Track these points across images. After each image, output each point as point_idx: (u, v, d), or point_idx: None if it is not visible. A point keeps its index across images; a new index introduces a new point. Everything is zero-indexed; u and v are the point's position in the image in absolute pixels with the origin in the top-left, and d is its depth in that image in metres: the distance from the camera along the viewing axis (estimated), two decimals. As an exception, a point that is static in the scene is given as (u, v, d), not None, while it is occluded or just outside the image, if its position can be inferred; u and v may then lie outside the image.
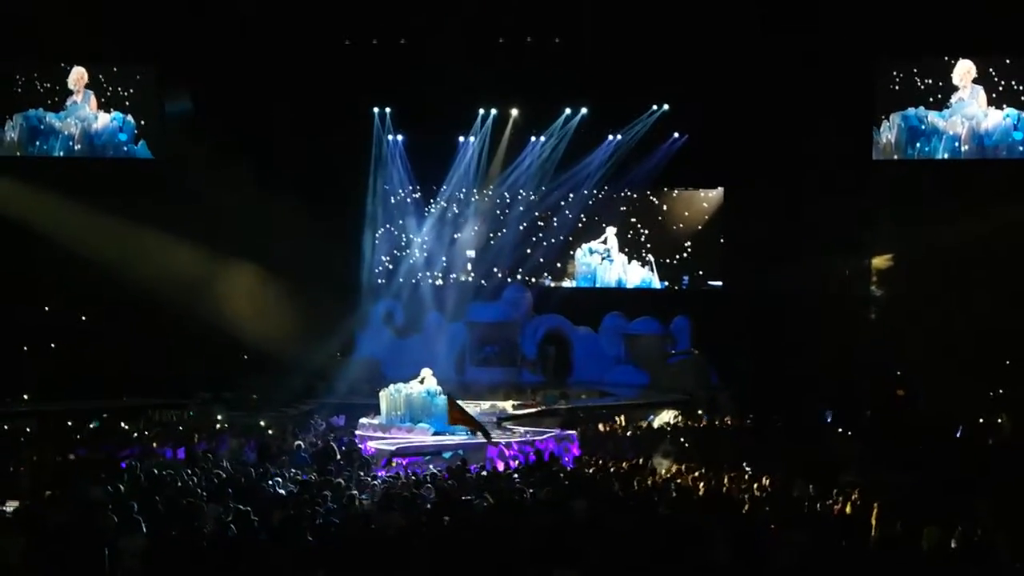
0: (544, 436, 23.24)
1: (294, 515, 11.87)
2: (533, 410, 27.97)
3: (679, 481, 16.10)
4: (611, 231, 35.29)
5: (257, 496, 13.62)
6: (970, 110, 29.28)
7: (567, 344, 34.60)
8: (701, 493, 14.89)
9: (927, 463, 17.55)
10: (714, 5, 28.69)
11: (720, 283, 34.72)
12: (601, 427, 25.08)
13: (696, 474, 16.85)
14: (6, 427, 23.36)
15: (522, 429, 24.70)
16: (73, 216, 28.96)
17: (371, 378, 29.62)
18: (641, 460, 18.81)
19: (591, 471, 17.48)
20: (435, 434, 23.10)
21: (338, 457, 18.97)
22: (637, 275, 35.20)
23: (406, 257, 35.48)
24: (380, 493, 14.42)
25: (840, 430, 23.65)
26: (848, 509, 13.27)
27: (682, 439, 22.07)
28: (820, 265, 30.72)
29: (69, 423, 23.70)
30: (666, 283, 35.06)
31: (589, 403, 29.52)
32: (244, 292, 29.70)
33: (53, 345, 31.15)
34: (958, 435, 22.50)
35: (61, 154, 31.22)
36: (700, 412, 27.54)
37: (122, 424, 24.04)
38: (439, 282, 35.37)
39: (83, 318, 31.33)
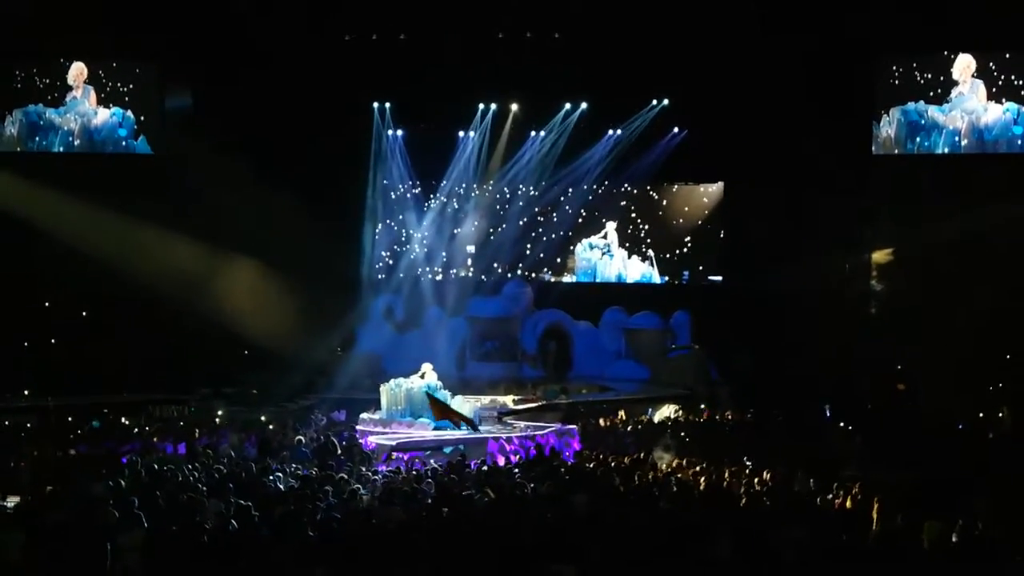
0: (545, 431, 23.25)
1: (295, 510, 11.88)
2: (534, 405, 27.95)
3: (680, 476, 16.13)
4: (611, 226, 35.29)
5: (258, 491, 13.62)
6: (970, 104, 29.26)
7: (567, 339, 34.60)
8: (702, 488, 14.90)
9: (927, 458, 17.57)
10: (713, 0, 28.70)
11: (720, 278, 34.72)
12: (602, 422, 25.09)
13: (697, 469, 16.88)
14: (7, 423, 23.40)
15: (523, 424, 24.72)
16: (73, 212, 28.94)
17: (371, 373, 29.63)
18: (642, 455, 18.83)
19: (592, 466, 17.48)
20: (435, 429, 23.13)
21: (339, 452, 18.97)
22: (637, 270, 35.20)
23: (406, 252, 35.46)
24: (381, 488, 14.43)
25: (841, 425, 23.67)
26: (849, 504, 13.30)
27: (683, 434, 22.08)
28: (820, 260, 30.72)
29: (69, 419, 23.69)
30: (666, 278, 35.06)
31: (589, 398, 29.51)
32: (244, 288, 29.71)
33: (53, 341, 31.15)
34: (959, 429, 22.53)
35: (61, 150, 31.18)
36: (701, 407, 27.56)
37: (123, 420, 24.04)
38: (439, 277, 35.37)
39: (83, 314, 31.35)
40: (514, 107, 33.06)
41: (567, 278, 35.67)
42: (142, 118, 31.07)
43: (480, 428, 23.07)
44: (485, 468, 17.24)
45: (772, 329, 30.09)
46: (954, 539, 10.73)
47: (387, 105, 33.44)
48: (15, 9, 27.47)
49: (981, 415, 24.47)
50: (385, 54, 30.79)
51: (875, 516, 12.13)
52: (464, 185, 34.89)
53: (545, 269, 35.65)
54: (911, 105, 29.63)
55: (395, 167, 34.75)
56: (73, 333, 30.78)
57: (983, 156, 29.38)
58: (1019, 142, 29.09)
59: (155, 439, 20.98)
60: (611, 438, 22.75)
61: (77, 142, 31.21)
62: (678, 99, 32.21)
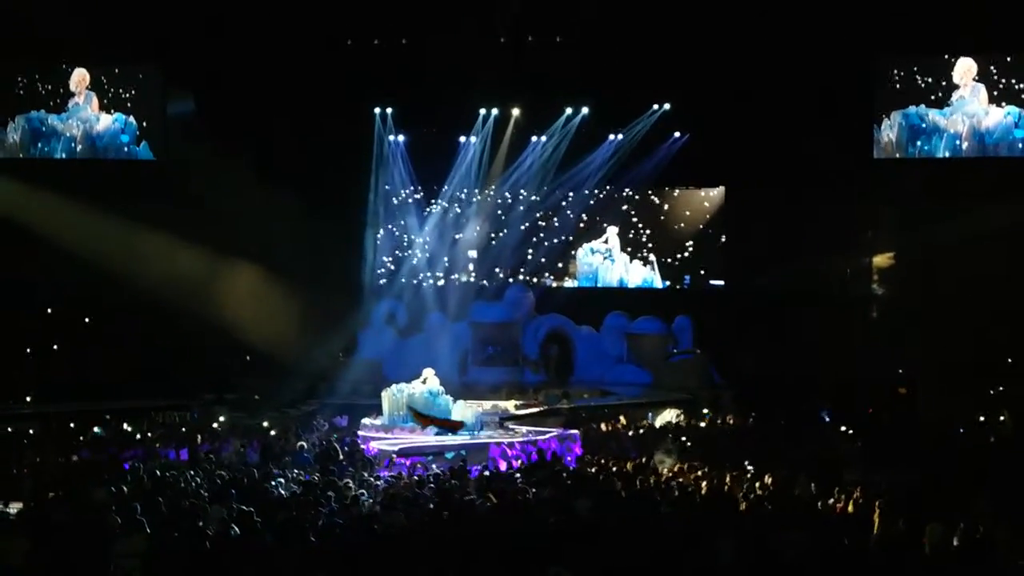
0: (547, 436, 23.29)
1: (297, 516, 11.90)
2: (535, 410, 28.00)
3: (681, 480, 16.13)
4: (612, 231, 35.28)
5: (260, 497, 13.64)
6: (971, 108, 29.26)
7: (569, 344, 34.57)
8: (703, 492, 14.90)
9: (928, 461, 17.57)
10: (714, 4, 28.71)
11: (722, 282, 34.68)
12: (603, 426, 25.11)
13: (698, 473, 16.88)
14: (9, 429, 23.43)
15: (524, 429, 24.77)
16: (75, 218, 29.00)
17: (373, 379, 29.65)
18: (643, 459, 18.84)
19: (594, 470, 17.52)
20: (437, 434, 23.18)
21: (341, 458, 19.01)
22: (639, 275, 35.20)
23: (408, 257, 35.46)
24: (383, 493, 14.45)
25: (842, 429, 23.66)
26: (850, 507, 13.29)
27: (684, 438, 22.08)
28: (821, 264, 30.76)
29: (72, 425, 23.72)
30: (668, 282, 35.05)
31: (591, 402, 29.50)
32: (246, 293, 29.75)
33: (55, 347, 31.18)
34: (960, 433, 22.53)
35: (63, 156, 31.22)
36: (703, 411, 27.55)
37: (125, 426, 24.07)
38: (441, 282, 35.37)
39: (85, 320, 31.39)
40: (515, 112, 33.07)
41: (569, 283, 35.66)
42: (144, 124, 31.11)
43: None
44: (487, 473, 17.29)
45: (773, 333, 30.10)
46: (956, 543, 10.73)
47: (388, 110, 33.45)
48: (17, 14, 27.53)
49: (982, 418, 24.45)
50: (386, 59, 30.84)
51: (876, 520, 12.11)
52: (466, 190, 34.89)
53: (547, 274, 35.65)
54: (912, 109, 29.62)
55: (396, 172, 34.76)
56: (75, 339, 30.81)
57: (984, 159, 29.35)
58: (1020, 145, 29.06)
59: (157, 445, 21.03)
60: (613, 443, 22.76)
61: (79, 148, 31.25)
62: (679, 104, 32.19)
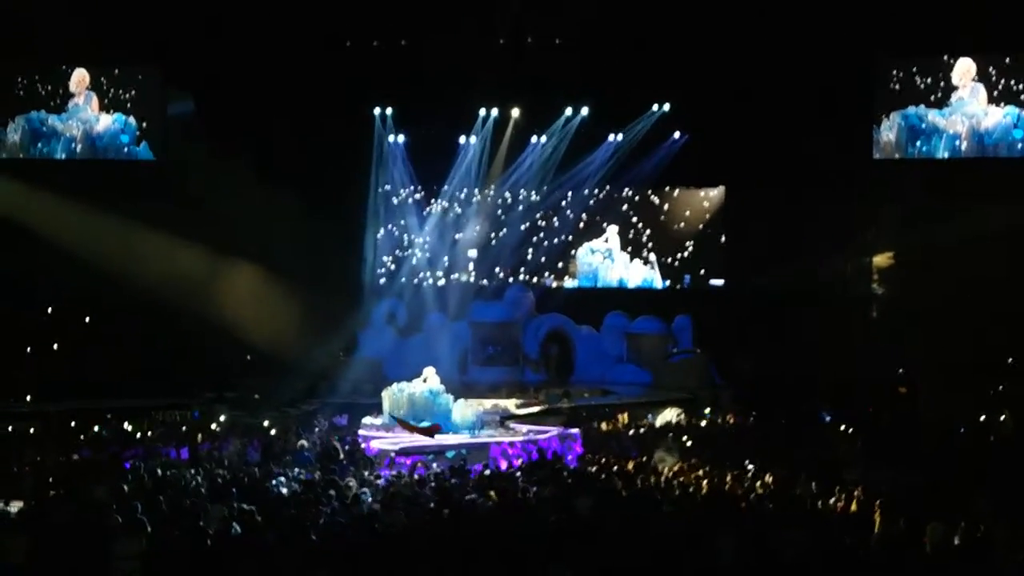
0: (547, 435, 23.29)
1: (298, 515, 11.91)
2: (536, 409, 27.98)
3: (682, 479, 16.14)
4: (612, 230, 35.27)
5: (261, 496, 13.65)
6: (970, 108, 29.28)
7: (569, 343, 34.55)
8: (704, 491, 14.91)
9: (929, 460, 17.57)
10: (714, 5, 28.73)
11: (722, 282, 34.68)
12: (604, 426, 25.13)
13: (699, 472, 16.88)
14: (9, 428, 23.43)
15: (525, 428, 24.78)
16: (75, 218, 29.00)
17: (373, 378, 29.66)
18: (644, 458, 18.85)
19: (594, 470, 17.51)
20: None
21: (341, 457, 19.02)
22: (639, 274, 35.19)
23: (408, 257, 35.45)
24: (383, 492, 14.46)
25: (842, 428, 23.66)
26: (851, 507, 13.29)
27: (685, 437, 22.08)
28: (821, 264, 30.75)
29: (72, 424, 23.72)
30: (668, 282, 35.04)
31: (592, 402, 29.48)
32: (246, 293, 29.75)
33: (56, 346, 31.18)
34: (960, 432, 22.52)
35: (63, 156, 31.24)
36: (703, 410, 27.55)
37: (126, 425, 24.07)
38: (441, 282, 35.37)
39: (86, 319, 31.39)
40: (515, 112, 33.07)
41: (569, 283, 35.65)
42: (144, 124, 31.14)
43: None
44: (487, 472, 17.28)
45: (773, 333, 30.11)
46: (956, 542, 10.73)
47: (388, 110, 33.47)
48: (17, 14, 27.54)
49: (983, 418, 24.44)
50: (386, 59, 30.85)
51: (877, 519, 12.12)
52: (465, 190, 34.89)
53: (547, 274, 35.63)
54: (911, 109, 29.66)
55: (396, 172, 34.76)
56: (75, 339, 30.80)
57: (983, 160, 29.39)
58: (1019, 146, 29.11)
59: (158, 444, 21.03)
60: (613, 442, 22.75)
61: (79, 148, 31.27)
62: (679, 104, 32.20)
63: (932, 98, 29.51)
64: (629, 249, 35.21)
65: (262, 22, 28.75)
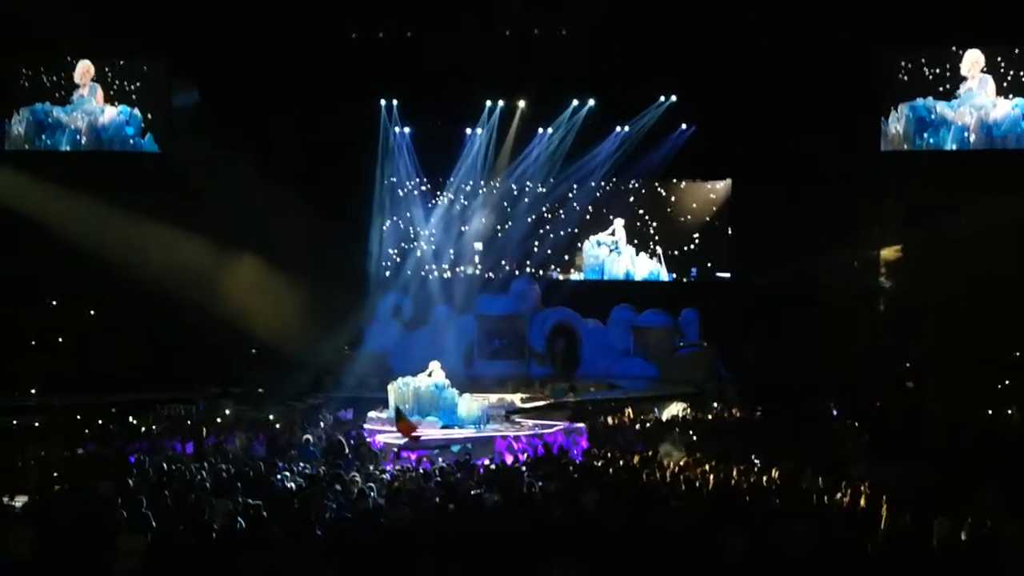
0: (552, 429, 23.25)
1: (303, 509, 11.87)
2: (541, 403, 27.98)
3: (688, 474, 16.08)
4: (619, 223, 35.21)
5: (266, 490, 13.61)
6: (979, 100, 29.15)
7: (575, 337, 34.56)
8: (710, 486, 14.85)
9: (936, 456, 17.50)
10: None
11: (728, 275, 34.61)
12: (610, 420, 25.04)
13: (705, 467, 16.82)
14: (14, 422, 23.43)
15: (531, 422, 24.74)
16: (80, 210, 28.99)
17: (379, 372, 29.64)
18: (650, 453, 18.79)
19: (600, 464, 17.45)
20: (443, 427, 23.16)
21: (346, 451, 18.96)
22: (645, 267, 35.13)
23: (413, 250, 35.45)
24: (389, 487, 14.41)
25: (849, 422, 23.59)
26: (858, 502, 13.23)
27: (691, 432, 22.01)
28: (828, 256, 30.64)
29: (77, 418, 23.71)
30: (674, 275, 34.97)
31: (597, 396, 29.49)
32: (251, 286, 29.72)
33: (60, 340, 31.19)
34: (967, 427, 22.43)
35: (68, 148, 31.28)
36: (710, 404, 27.49)
37: (130, 419, 24.06)
38: (447, 275, 35.36)
39: (90, 312, 31.39)
40: (521, 104, 33.05)
41: (575, 275, 35.62)
42: (149, 116, 31.14)
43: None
44: (493, 467, 17.24)
45: (780, 326, 30.04)
46: (963, 537, 10.68)
47: (394, 102, 33.43)
48: (21, 7, 27.51)
49: (989, 412, 24.37)
50: (392, 51, 30.78)
51: (884, 514, 12.06)
52: (471, 182, 34.88)
53: (553, 266, 35.61)
54: (919, 101, 29.54)
55: (402, 164, 34.75)
56: (80, 332, 30.81)
57: (992, 152, 29.27)
58: (1028, 137, 29.00)
59: (163, 438, 20.99)
60: (619, 436, 22.65)
61: (84, 140, 31.31)
62: (686, 96, 32.14)
63: (940, 90, 29.38)
64: (636, 242, 35.14)
65: (267, 14, 28.71)
